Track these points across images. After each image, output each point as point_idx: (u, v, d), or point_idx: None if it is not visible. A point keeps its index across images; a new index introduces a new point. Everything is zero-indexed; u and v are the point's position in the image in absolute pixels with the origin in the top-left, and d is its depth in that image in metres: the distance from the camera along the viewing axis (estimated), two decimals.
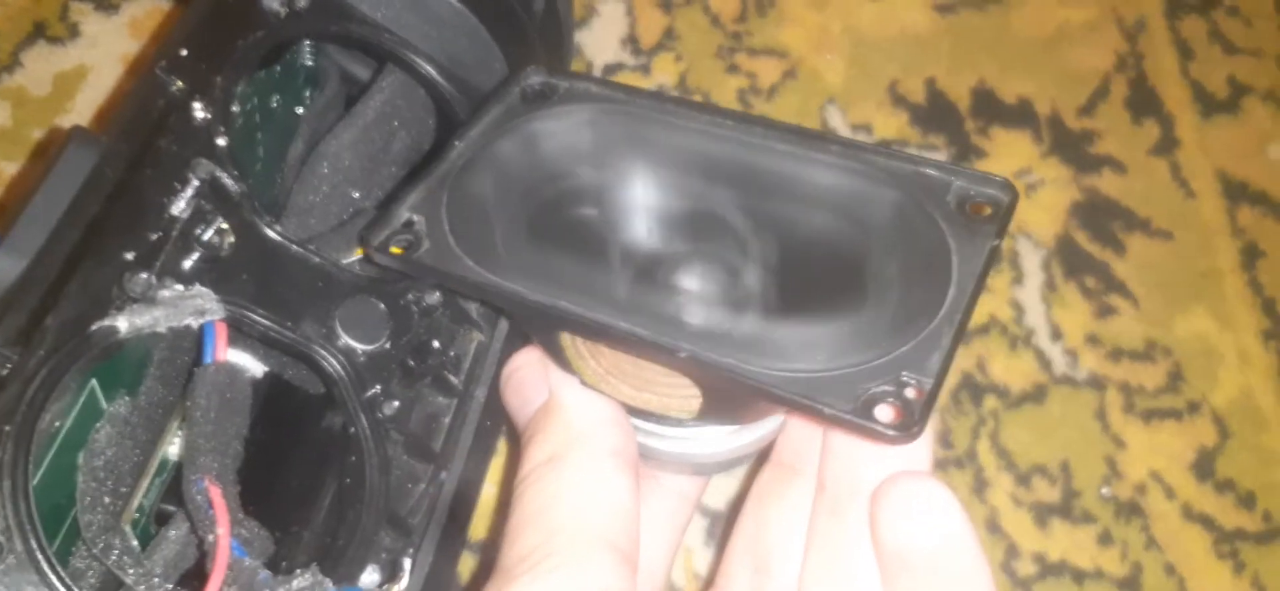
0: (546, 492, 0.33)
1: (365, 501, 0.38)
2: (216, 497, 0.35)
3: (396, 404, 0.40)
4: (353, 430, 0.39)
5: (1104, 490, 0.58)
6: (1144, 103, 0.69)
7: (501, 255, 0.35)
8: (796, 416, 0.36)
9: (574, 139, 0.38)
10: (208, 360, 0.39)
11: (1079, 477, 0.58)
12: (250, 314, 0.38)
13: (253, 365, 0.43)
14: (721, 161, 0.37)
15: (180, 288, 0.37)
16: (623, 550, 0.32)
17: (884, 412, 0.28)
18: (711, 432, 0.36)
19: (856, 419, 0.28)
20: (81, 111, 0.60)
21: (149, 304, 0.36)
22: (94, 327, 0.35)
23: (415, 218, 0.35)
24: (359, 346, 0.40)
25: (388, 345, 0.41)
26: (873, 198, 0.34)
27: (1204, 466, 0.59)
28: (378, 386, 0.40)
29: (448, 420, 0.42)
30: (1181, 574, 0.56)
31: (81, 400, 0.37)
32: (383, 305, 0.41)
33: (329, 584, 0.35)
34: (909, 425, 0.28)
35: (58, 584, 0.31)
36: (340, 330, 0.40)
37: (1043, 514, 0.57)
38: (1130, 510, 0.58)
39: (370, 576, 0.37)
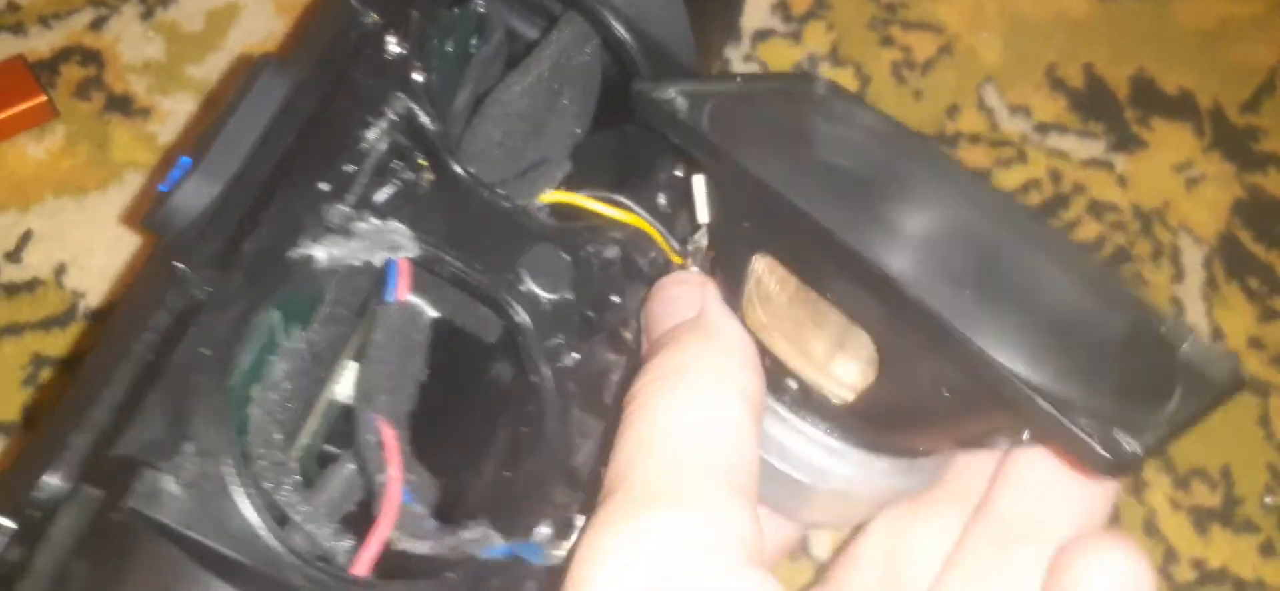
0: (674, 415, 0.31)
1: (543, 453, 0.37)
2: (390, 438, 0.33)
3: (576, 356, 0.39)
4: (534, 379, 0.38)
5: (1267, 499, 0.55)
6: None
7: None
8: (990, 436, 0.33)
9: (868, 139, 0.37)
10: (390, 299, 0.38)
11: (1241, 484, 0.56)
12: (442, 254, 0.37)
13: (426, 310, 0.42)
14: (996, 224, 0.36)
15: (377, 221, 0.36)
16: (754, 504, 0.30)
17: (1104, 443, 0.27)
18: (846, 451, 0.34)
19: (1085, 435, 0.27)
20: (232, 47, 0.60)
21: (346, 235, 0.35)
22: (292, 255, 0.34)
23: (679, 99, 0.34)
24: (543, 295, 0.39)
25: (571, 295, 0.40)
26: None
27: None
28: (561, 336, 0.39)
29: (617, 376, 0.41)
30: None
31: (264, 331, 0.36)
32: (567, 256, 0.40)
33: (498, 537, 0.34)
34: (1122, 463, 0.27)
35: (251, 509, 0.30)
36: (526, 277, 0.39)
37: (1202, 519, 0.55)
38: None
39: (542, 531, 0.36)
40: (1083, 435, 0.27)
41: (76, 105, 0.57)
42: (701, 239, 0.42)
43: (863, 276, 0.30)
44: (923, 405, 0.32)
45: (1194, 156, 0.64)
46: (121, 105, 0.58)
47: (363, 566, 0.31)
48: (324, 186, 0.36)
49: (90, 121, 0.57)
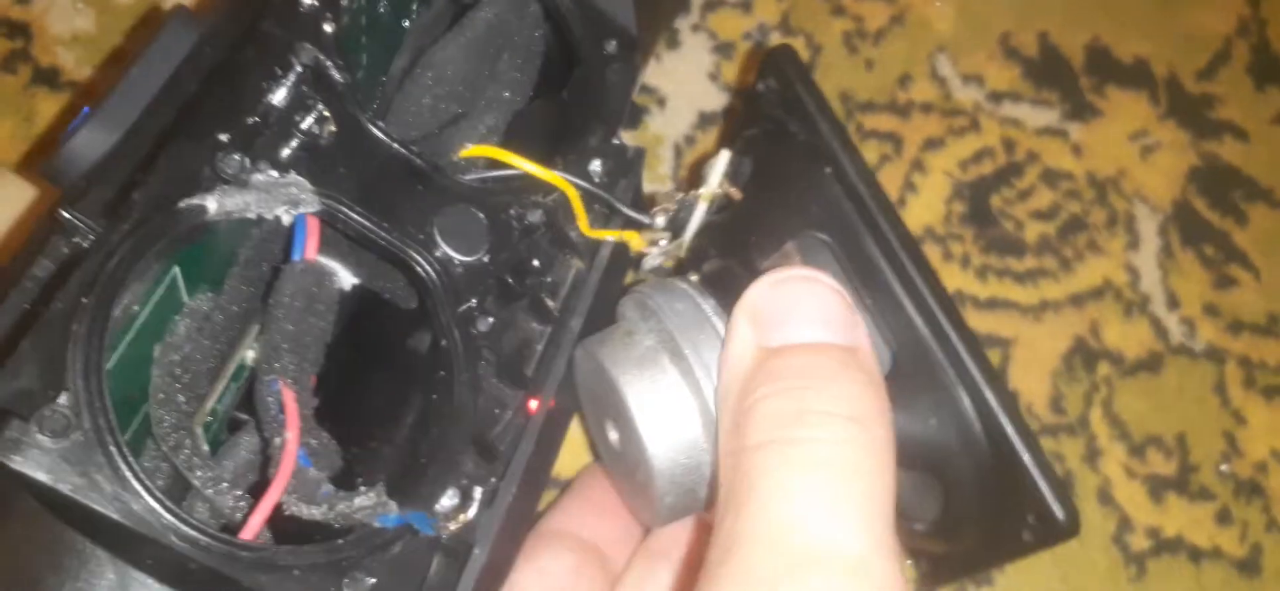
0: (852, 466, 0.27)
1: (451, 421, 0.35)
2: (289, 400, 0.32)
3: (490, 321, 0.38)
4: (444, 343, 0.36)
5: (1223, 466, 0.54)
6: (1267, 69, 0.65)
7: None
8: None
9: None
10: (296, 257, 0.36)
11: (1196, 452, 0.55)
12: (346, 210, 0.36)
13: (344, 276, 0.41)
14: None
15: (275, 174, 0.35)
16: None
17: None
18: None
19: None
20: None
21: (241, 187, 0.34)
22: (182, 205, 0.33)
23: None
24: (456, 256, 0.38)
25: (486, 259, 0.38)
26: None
27: None
28: (473, 300, 0.37)
29: (541, 347, 0.40)
30: None
31: (162, 288, 0.35)
32: (484, 217, 0.39)
33: (393, 505, 0.32)
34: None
35: (123, 465, 0.28)
36: (438, 238, 0.38)
37: (1158, 487, 0.53)
38: (1251, 489, 0.54)
39: (449, 500, 0.34)
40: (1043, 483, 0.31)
41: (2, 79, 0.56)
42: (690, 208, 0.41)
43: (911, 290, 0.32)
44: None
45: (1149, 124, 0.63)
46: (48, 78, 0.56)
47: (251, 530, 0.30)
48: (224, 136, 0.35)
49: (15, 95, 0.55)
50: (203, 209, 0.33)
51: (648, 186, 0.55)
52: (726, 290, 0.36)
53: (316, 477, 0.31)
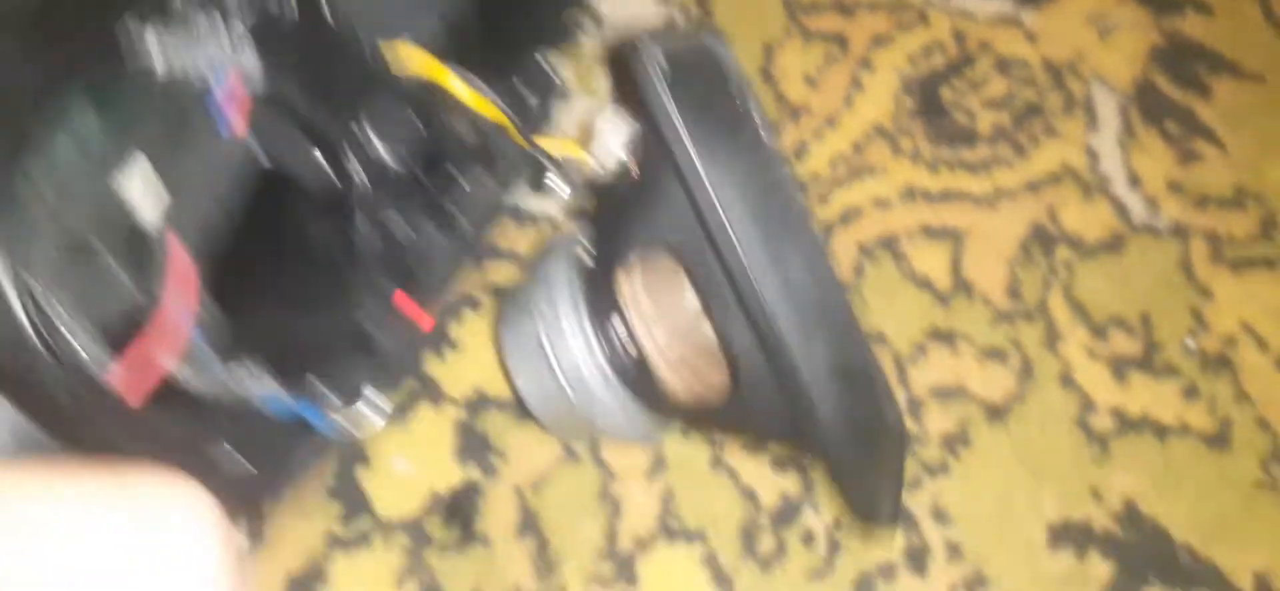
0: None
1: (342, 313, 0.35)
2: (186, 269, 0.32)
3: (398, 220, 0.37)
4: (350, 235, 0.36)
5: (1188, 342, 0.53)
6: None
7: None
8: None
9: None
10: (223, 134, 0.35)
11: (1161, 330, 0.53)
12: (287, 89, 0.35)
13: (257, 152, 0.40)
14: None
15: (228, 48, 0.34)
16: None
17: None
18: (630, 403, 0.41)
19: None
20: None
21: (190, 46, 0.33)
22: (119, 32, 0.32)
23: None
24: (380, 148, 0.37)
25: (412, 166, 0.38)
26: None
27: None
28: (387, 196, 0.37)
29: (439, 254, 0.40)
30: (1277, 428, 0.52)
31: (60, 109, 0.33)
32: (419, 125, 0.38)
33: (276, 387, 0.32)
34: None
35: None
36: (373, 137, 0.37)
37: (1121, 367, 0.52)
38: (1219, 363, 0.53)
39: (328, 394, 0.34)
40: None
41: None
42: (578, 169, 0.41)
43: (754, 312, 0.34)
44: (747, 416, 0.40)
45: (1107, 6, 0.62)
46: None
47: (135, 394, 0.29)
48: None
49: None
50: (150, 71, 0.32)
51: (584, 103, 0.54)
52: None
53: (203, 348, 0.31)
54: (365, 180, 0.37)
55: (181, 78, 0.34)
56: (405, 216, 0.38)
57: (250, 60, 0.35)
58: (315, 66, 0.37)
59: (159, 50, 0.32)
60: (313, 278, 0.39)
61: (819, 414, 0.34)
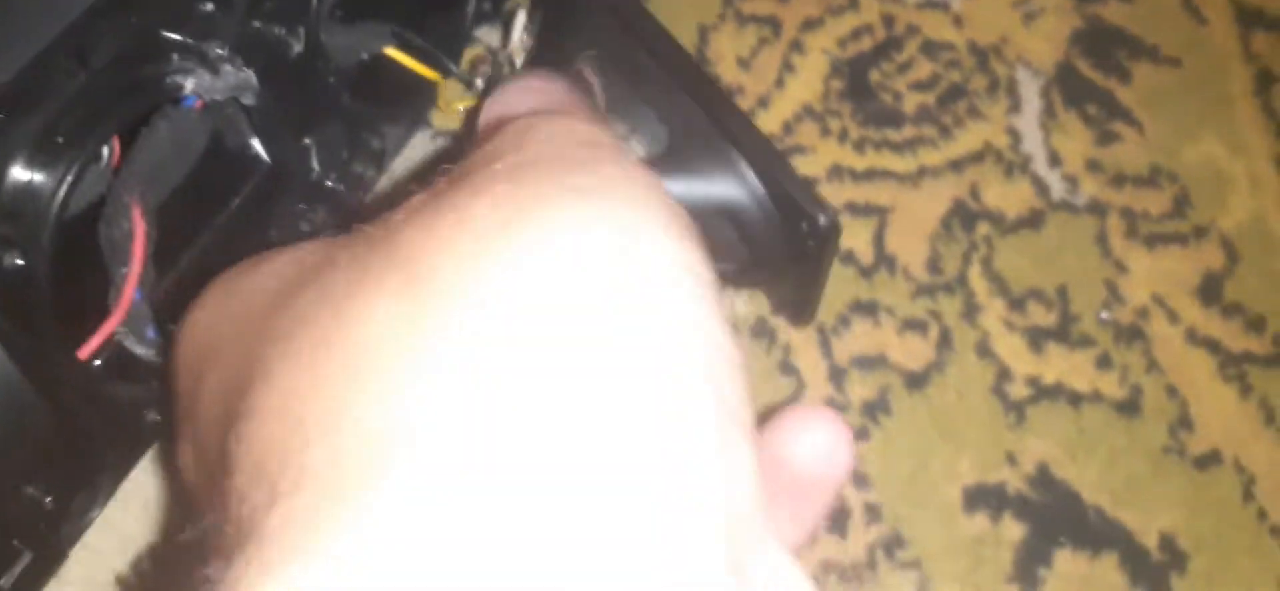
0: None
1: None
2: (140, 232, 0.33)
3: (307, 228, 0.39)
4: (272, 233, 0.38)
5: (1103, 313, 0.55)
6: None
7: None
8: None
9: None
10: (189, 104, 0.36)
11: (1077, 302, 0.56)
12: (269, 104, 0.37)
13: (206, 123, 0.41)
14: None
15: (240, 63, 0.35)
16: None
17: None
18: None
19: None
20: None
21: (213, 72, 0.34)
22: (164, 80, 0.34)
23: None
24: (315, 169, 0.39)
25: (334, 182, 0.40)
26: None
27: (1210, 290, 0.57)
28: (306, 206, 0.39)
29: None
30: (1184, 396, 0.54)
31: None
32: (347, 143, 0.40)
33: None
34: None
35: None
36: (311, 147, 0.39)
37: (1037, 337, 0.55)
38: (1131, 334, 0.55)
39: None
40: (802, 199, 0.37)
41: None
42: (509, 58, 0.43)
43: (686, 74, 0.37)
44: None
45: None
46: None
47: (88, 349, 0.31)
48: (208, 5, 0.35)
49: None
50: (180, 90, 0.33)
51: None
52: None
53: (145, 312, 0.33)
54: (293, 183, 0.38)
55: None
56: (313, 214, 0.40)
57: (251, 81, 0.36)
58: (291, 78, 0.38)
59: (197, 90, 0.34)
60: (234, 245, 0.40)
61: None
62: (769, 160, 0.37)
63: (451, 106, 0.44)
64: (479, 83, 0.44)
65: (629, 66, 0.38)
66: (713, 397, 0.18)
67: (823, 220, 0.36)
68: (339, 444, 0.17)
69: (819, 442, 0.29)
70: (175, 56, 0.33)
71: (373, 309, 0.18)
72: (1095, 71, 0.62)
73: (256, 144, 0.37)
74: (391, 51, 0.41)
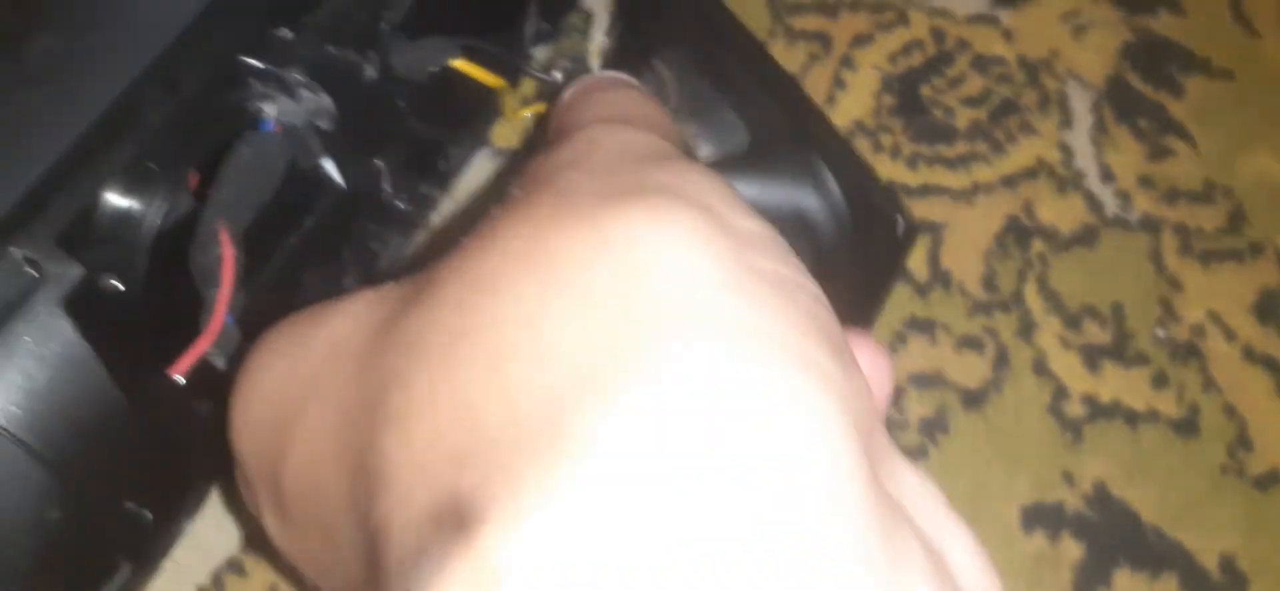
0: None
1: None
2: (229, 255, 0.33)
3: (377, 246, 0.39)
4: (345, 252, 0.38)
5: (1159, 331, 0.55)
6: None
7: None
8: None
9: None
10: (268, 128, 0.36)
11: (1132, 319, 0.55)
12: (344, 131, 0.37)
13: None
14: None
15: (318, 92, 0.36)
16: None
17: None
18: None
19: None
20: None
21: (291, 96, 0.35)
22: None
23: None
24: (387, 192, 0.40)
25: (403, 202, 0.40)
26: None
27: (1267, 307, 0.56)
28: (376, 227, 0.39)
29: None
30: (1243, 415, 0.54)
31: None
32: (418, 165, 0.41)
33: None
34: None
35: None
36: (382, 170, 0.39)
37: (1093, 356, 0.54)
38: (1187, 352, 0.55)
39: None
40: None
41: None
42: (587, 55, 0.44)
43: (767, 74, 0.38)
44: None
45: (1080, 4, 0.63)
46: None
47: (181, 368, 0.31)
48: (287, 33, 0.35)
49: None
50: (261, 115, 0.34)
51: None
52: None
53: (235, 333, 0.33)
54: (366, 205, 0.39)
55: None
56: (383, 234, 0.40)
57: (328, 106, 0.36)
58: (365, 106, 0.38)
59: (277, 115, 0.34)
60: (310, 268, 0.41)
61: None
62: (849, 161, 0.37)
63: (517, 114, 0.44)
64: (557, 75, 0.44)
65: (709, 67, 0.39)
66: (827, 327, 0.20)
67: (903, 224, 0.36)
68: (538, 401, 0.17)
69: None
70: (255, 83, 0.33)
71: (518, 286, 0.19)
72: (1146, 85, 0.62)
73: (330, 166, 0.37)
74: (459, 63, 0.41)
